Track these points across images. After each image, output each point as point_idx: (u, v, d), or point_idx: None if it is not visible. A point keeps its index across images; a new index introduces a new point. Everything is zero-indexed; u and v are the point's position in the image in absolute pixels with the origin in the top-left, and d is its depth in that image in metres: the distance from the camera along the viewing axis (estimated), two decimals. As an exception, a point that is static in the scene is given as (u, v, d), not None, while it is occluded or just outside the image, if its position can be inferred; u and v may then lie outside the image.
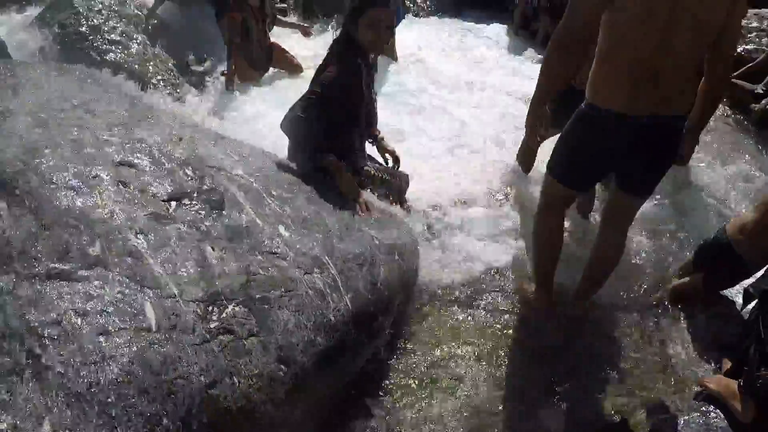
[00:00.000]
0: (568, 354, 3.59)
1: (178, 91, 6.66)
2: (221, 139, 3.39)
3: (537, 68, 3.12)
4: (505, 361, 3.50)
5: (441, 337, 3.60)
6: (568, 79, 3.06)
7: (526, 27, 9.83)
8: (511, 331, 3.73)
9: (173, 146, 3.04)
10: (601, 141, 3.08)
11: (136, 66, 6.56)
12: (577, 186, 3.47)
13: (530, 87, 3.24)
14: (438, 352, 3.49)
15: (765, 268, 3.57)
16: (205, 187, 2.78)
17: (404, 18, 9.22)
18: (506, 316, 3.84)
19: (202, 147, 3.17)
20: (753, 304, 3.31)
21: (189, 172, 2.84)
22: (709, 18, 2.72)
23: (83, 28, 6.72)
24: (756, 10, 9.64)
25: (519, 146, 5.12)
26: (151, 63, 6.75)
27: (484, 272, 4.21)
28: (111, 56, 6.52)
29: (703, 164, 5.92)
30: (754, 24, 9.40)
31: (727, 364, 3.31)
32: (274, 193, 3.03)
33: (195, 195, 2.73)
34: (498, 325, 3.76)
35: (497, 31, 10.15)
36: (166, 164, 2.84)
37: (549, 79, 3.00)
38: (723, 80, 3.08)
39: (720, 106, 6.57)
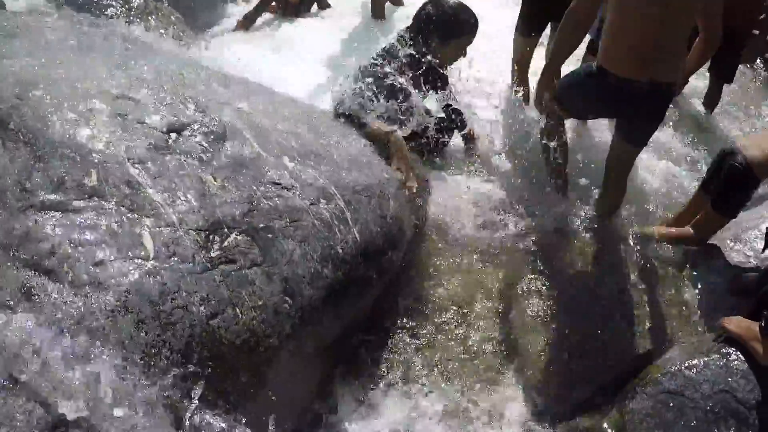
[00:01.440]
0: (582, 300, 3.49)
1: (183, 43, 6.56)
2: (225, 77, 3.28)
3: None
4: (518, 304, 3.42)
5: (451, 277, 3.51)
6: (574, 49, 3.66)
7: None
8: (524, 271, 3.64)
9: (175, 82, 2.93)
10: (605, 96, 3.52)
11: (138, 20, 6.47)
12: (580, 116, 4.28)
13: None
14: (448, 293, 3.42)
15: None
16: (207, 119, 2.66)
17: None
18: (519, 254, 3.74)
19: (205, 83, 3.07)
20: None
21: (191, 105, 2.72)
22: None
23: (83, -22, 6.63)
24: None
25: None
26: (153, 16, 6.66)
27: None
28: (111, 11, 6.42)
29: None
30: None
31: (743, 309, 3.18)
32: (280, 127, 2.91)
33: (197, 127, 2.61)
34: (510, 267, 3.67)
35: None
36: (167, 98, 2.72)
37: (562, 48, 3.58)
38: (713, 43, 3.57)
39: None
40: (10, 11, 4.86)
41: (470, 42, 4.11)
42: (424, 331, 3.23)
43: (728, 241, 3.86)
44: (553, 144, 3.85)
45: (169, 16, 6.92)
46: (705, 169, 4.08)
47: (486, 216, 3.92)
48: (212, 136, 2.60)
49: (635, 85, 3.33)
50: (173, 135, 2.55)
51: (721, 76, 5.68)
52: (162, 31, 6.35)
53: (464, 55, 4.13)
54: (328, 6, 7.68)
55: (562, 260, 3.70)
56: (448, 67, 4.12)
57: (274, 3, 7.21)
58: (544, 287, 3.52)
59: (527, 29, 4.93)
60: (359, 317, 2.99)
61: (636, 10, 3.21)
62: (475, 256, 3.64)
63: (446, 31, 3.97)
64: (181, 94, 2.78)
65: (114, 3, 6.37)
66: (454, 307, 3.36)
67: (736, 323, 2.97)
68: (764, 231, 3.47)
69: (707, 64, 5.14)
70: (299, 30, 6.95)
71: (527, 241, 3.81)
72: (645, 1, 3.17)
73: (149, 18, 6.56)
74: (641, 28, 3.22)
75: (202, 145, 2.55)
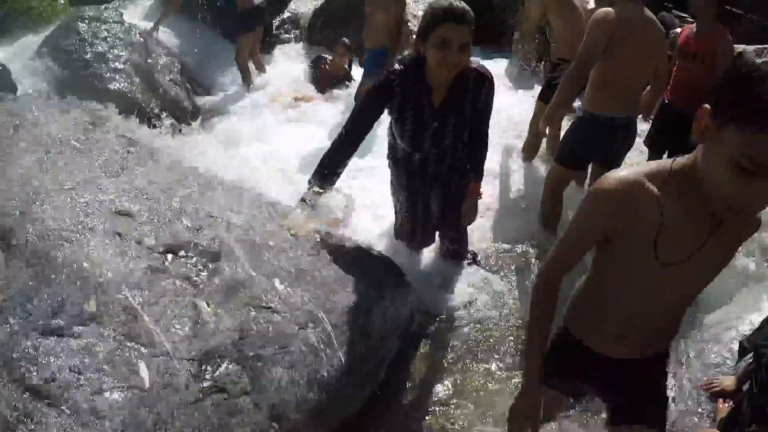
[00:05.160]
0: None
1: (181, 122, 6.71)
2: (220, 186, 3.40)
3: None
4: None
5: (439, 377, 3.62)
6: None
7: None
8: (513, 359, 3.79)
9: (171, 194, 3.06)
10: (596, 134, 4.69)
11: (139, 95, 6.61)
12: (578, 167, 5.07)
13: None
14: (436, 392, 3.52)
15: (760, 322, 3.55)
16: (201, 238, 2.79)
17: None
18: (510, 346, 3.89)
19: (201, 194, 3.19)
20: (747, 357, 3.31)
21: (186, 222, 2.86)
22: (655, 53, 4.62)
23: (88, 56, 6.77)
24: (757, 46, 9.61)
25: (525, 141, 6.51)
26: (154, 93, 6.79)
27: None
28: (115, 85, 6.56)
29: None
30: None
31: (721, 410, 3.30)
32: (270, 243, 3.04)
33: (191, 247, 2.74)
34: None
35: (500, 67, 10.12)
36: (163, 213, 2.85)
37: (565, 98, 4.57)
38: (662, 87, 5.28)
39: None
40: (21, 95, 4.99)
41: (453, 36, 3.30)
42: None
43: (706, 343, 3.90)
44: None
45: (170, 91, 7.11)
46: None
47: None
48: (206, 258, 2.72)
49: (624, 121, 4.62)
50: (169, 256, 2.68)
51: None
52: (163, 107, 6.53)
53: (454, 60, 3.35)
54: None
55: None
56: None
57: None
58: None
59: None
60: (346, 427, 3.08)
61: (627, 69, 4.42)
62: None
63: (423, 25, 3.38)
64: (176, 209, 2.91)
65: (118, 77, 6.53)
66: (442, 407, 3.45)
67: None
68: (741, 333, 3.61)
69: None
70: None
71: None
72: (633, 61, 4.40)
73: (150, 94, 6.68)
74: (630, 81, 4.50)
75: (197, 267, 2.67)
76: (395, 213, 4.24)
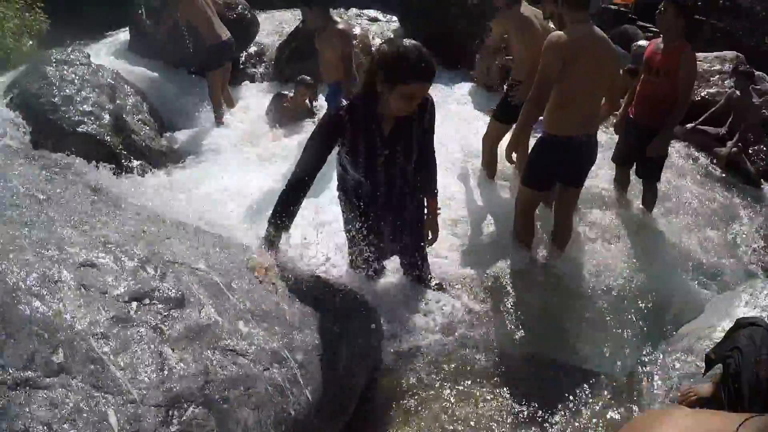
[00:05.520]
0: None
1: (149, 163, 6.77)
2: (184, 230, 3.48)
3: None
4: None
5: (411, 405, 3.68)
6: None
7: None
8: (484, 395, 3.84)
9: (135, 242, 3.13)
10: (558, 155, 4.95)
11: (108, 138, 6.65)
12: (544, 187, 5.28)
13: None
14: (409, 422, 3.57)
15: (725, 334, 3.61)
16: (165, 284, 2.87)
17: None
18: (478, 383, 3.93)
19: (164, 240, 3.27)
20: (716, 368, 3.39)
21: (150, 270, 2.93)
22: (610, 74, 4.91)
23: (56, 99, 6.76)
24: (717, 53, 9.85)
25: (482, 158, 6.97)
26: (123, 134, 6.84)
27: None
28: (83, 128, 6.59)
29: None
30: (716, 67, 9.57)
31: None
32: (234, 285, 3.12)
33: (155, 294, 2.81)
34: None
35: (465, 90, 10.34)
36: (128, 262, 2.92)
37: (531, 115, 4.90)
38: (616, 104, 5.68)
39: (688, 151, 8.29)
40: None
41: (419, 92, 3.55)
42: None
43: (680, 353, 4.05)
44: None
45: (139, 132, 7.16)
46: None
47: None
48: (170, 304, 2.80)
49: (584, 139, 4.89)
50: (134, 304, 2.74)
51: (647, 176, 6.19)
52: (131, 148, 6.59)
53: (412, 109, 3.62)
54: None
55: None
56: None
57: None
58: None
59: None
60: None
61: (583, 89, 4.74)
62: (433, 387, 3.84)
63: (395, 73, 3.45)
64: (141, 257, 2.99)
65: (86, 120, 6.58)
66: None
67: None
68: (714, 341, 3.68)
69: (633, 168, 6.43)
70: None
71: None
72: (587, 81, 4.71)
73: (119, 136, 6.74)
74: (586, 100, 4.80)
75: (161, 314, 2.74)
76: (349, 244, 4.33)
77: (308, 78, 8.41)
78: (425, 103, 3.71)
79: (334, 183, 4.20)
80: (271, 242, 3.61)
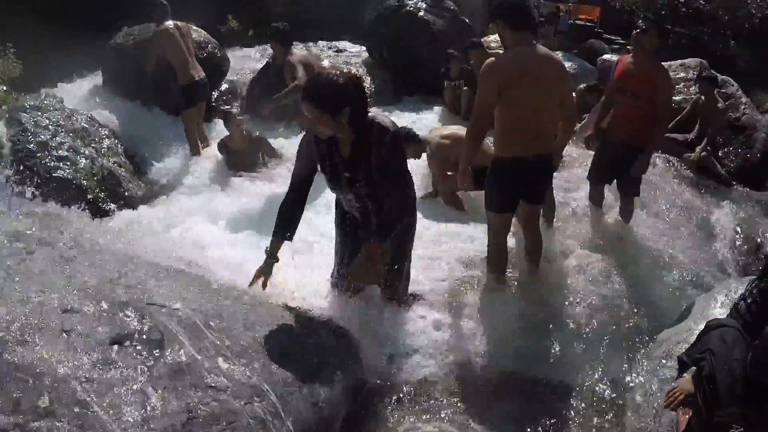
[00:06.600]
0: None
1: (127, 205, 6.86)
2: (161, 272, 3.60)
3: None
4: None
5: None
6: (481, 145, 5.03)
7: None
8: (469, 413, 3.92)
9: (115, 285, 3.25)
10: (512, 177, 4.86)
11: (85, 182, 6.73)
12: (507, 209, 5.08)
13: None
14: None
15: (696, 336, 3.67)
16: (145, 326, 2.98)
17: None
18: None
19: (143, 284, 3.38)
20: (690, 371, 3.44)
21: (129, 313, 3.05)
22: (558, 92, 4.77)
23: (31, 146, 6.84)
24: (681, 61, 10.07)
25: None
26: (100, 178, 6.92)
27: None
28: (60, 173, 6.67)
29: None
30: (681, 74, 9.76)
31: (681, 422, 3.37)
32: (212, 324, 3.24)
33: (136, 336, 2.92)
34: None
35: (433, 115, 10.55)
36: (108, 307, 3.04)
37: (472, 149, 4.84)
38: (571, 120, 5.26)
39: (660, 159, 8.15)
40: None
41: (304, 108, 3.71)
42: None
43: (661, 359, 4.08)
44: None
45: (115, 173, 7.27)
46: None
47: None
48: (151, 345, 2.91)
49: (534, 159, 4.75)
50: (115, 347, 2.85)
51: (628, 192, 6.32)
52: (107, 192, 6.68)
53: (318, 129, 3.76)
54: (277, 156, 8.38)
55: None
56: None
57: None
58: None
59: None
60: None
61: (529, 110, 4.63)
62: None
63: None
64: (121, 301, 3.10)
65: (62, 165, 6.65)
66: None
67: None
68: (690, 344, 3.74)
69: (614, 183, 6.40)
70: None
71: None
72: (532, 102, 4.60)
73: (95, 179, 6.82)
74: (533, 120, 4.67)
75: (142, 355, 2.85)
76: (334, 262, 4.45)
77: (228, 107, 8.83)
78: (383, 132, 3.79)
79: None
80: (271, 251, 3.94)
